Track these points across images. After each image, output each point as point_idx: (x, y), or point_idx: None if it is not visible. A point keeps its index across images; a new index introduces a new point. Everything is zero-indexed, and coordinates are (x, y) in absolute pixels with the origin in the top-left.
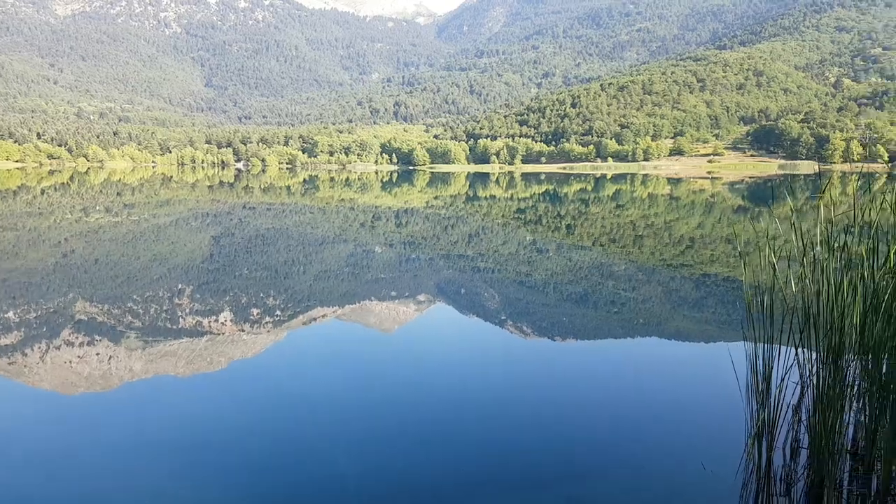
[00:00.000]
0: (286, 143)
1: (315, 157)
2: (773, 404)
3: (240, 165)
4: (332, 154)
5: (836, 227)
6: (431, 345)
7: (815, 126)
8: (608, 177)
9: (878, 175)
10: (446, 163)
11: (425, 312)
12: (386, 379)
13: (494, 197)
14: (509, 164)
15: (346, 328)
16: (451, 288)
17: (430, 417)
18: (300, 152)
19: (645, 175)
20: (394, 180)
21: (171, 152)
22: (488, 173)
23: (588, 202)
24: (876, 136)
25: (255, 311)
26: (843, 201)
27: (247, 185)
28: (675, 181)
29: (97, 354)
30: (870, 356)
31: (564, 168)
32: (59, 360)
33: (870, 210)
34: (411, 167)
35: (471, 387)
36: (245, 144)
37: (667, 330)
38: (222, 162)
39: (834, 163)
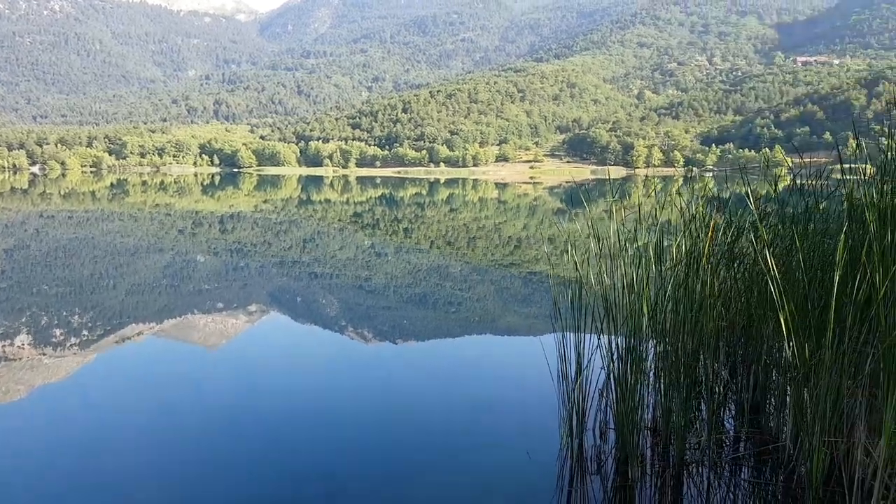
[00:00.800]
0: (90, 145)
1: (124, 159)
2: (583, 390)
3: (35, 169)
4: (143, 156)
5: (640, 226)
6: (265, 357)
7: (621, 134)
8: (441, 181)
9: (674, 178)
10: (275, 165)
11: (257, 324)
12: (211, 395)
13: (329, 200)
14: (343, 167)
15: (165, 346)
16: (285, 296)
17: (260, 431)
18: (106, 154)
19: (475, 180)
20: (216, 183)
21: None
22: (322, 176)
23: (424, 206)
24: (673, 143)
25: (57, 331)
26: (645, 203)
27: (44, 192)
28: (502, 186)
29: None
30: (660, 341)
31: (399, 172)
32: None
33: (658, 210)
34: (236, 170)
35: (306, 395)
36: (41, 146)
37: (499, 326)
38: (14, 166)
39: (638, 167)
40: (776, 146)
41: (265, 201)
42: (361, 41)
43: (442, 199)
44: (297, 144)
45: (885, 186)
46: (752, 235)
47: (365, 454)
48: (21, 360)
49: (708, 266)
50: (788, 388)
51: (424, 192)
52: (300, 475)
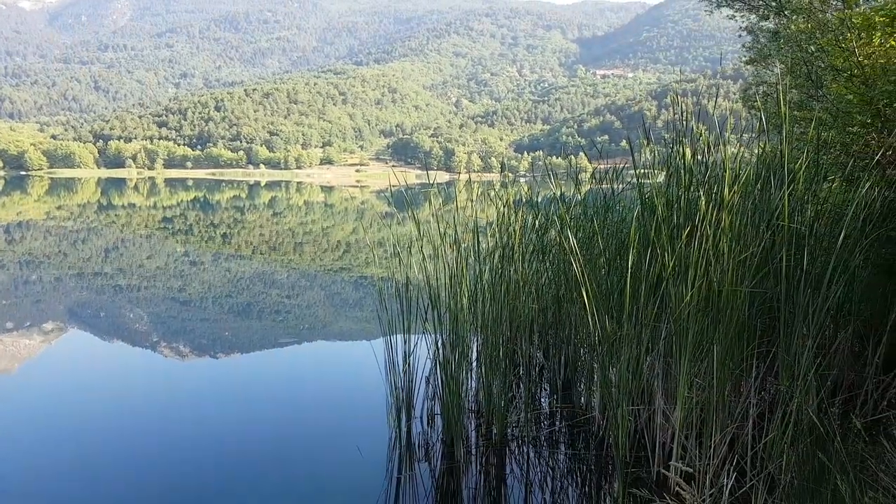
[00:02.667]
0: None
1: None
2: (410, 380)
3: None
4: None
5: (462, 225)
6: (67, 380)
7: (443, 140)
8: (262, 184)
9: (493, 182)
10: (70, 167)
11: (55, 343)
12: (5, 423)
13: (134, 205)
14: (149, 168)
15: None
16: (86, 312)
17: (67, 457)
18: None
19: (299, 183)
20: (0, 188)
21: None
22: (125, 178)
23: (244, 210)
24: (490, 149)
25: None
26: (466, 205)
27: None
28: (328, 189)
29: None
30: (481, 328)
31: (214, 174)
32: None
33: (478, 211)
34: (23, 172)
35: (117, 418)
36: None
37: (331, 332)
38: None
39: (460, 172)
40: (580, 153)
41: (59, 207)
42: (167, 35)
43: (264, 203)
44: (94, 144)
45: (672, 179)
46: (559, 227)
47: (189, 472)
48: None
49: (520, 256)
50: (595, 365)
51: (244, 196)
52: (118, 499)
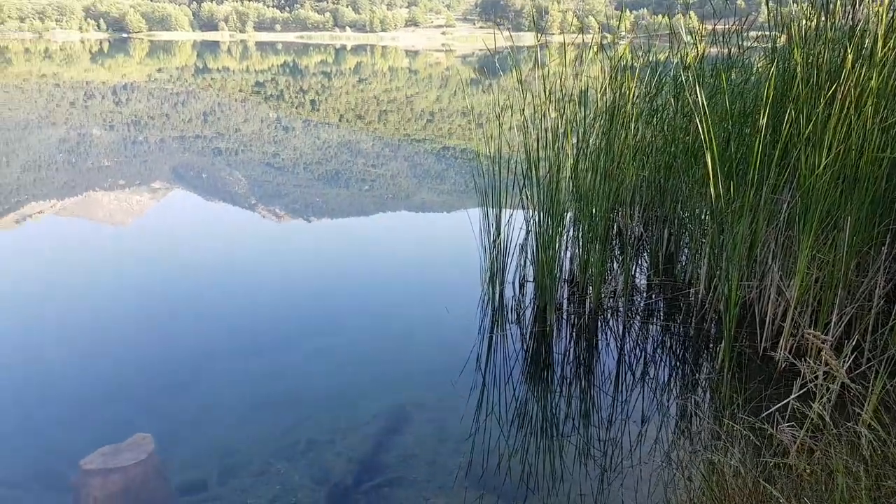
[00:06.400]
0: None
1: (1, 24)
2: (501, 247)
3: None
4: (23, 20)
5: (556, 93)
6: (179, 234)
7: None
8: (348, 48)
9: (590, 45)
10: (167, 30)
11: (163, 201)
12: (123, 275)
13: (228, 69)
14: (241, 31)
15: (70, 225)
16: (189, 172)
17: (172, 304)
18: None
19: (384, 47)
20: (105, 51)
21: None
22: (218, 42)
23: (331, 75)
24: (587, 7)
25: None
26: (560, 72)
27: None
28: (412, 53)
29: None
30: (579, 199)
31: (302, 37)
32: None
33: (581, 76)
34: (125, 35)
35: (219, 273)
36: None
37: (414, 202)
38: None
39: (553, 34)
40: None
41: (159, 70)
42: None
43: (350, 68)
44: (188, 6)
45: (812, 22)
46: (675, 88)
47: (290, 322)
48: None
49: (629, 121)
50: (704, 239)
51: (330, 60)
52: (229, 345)
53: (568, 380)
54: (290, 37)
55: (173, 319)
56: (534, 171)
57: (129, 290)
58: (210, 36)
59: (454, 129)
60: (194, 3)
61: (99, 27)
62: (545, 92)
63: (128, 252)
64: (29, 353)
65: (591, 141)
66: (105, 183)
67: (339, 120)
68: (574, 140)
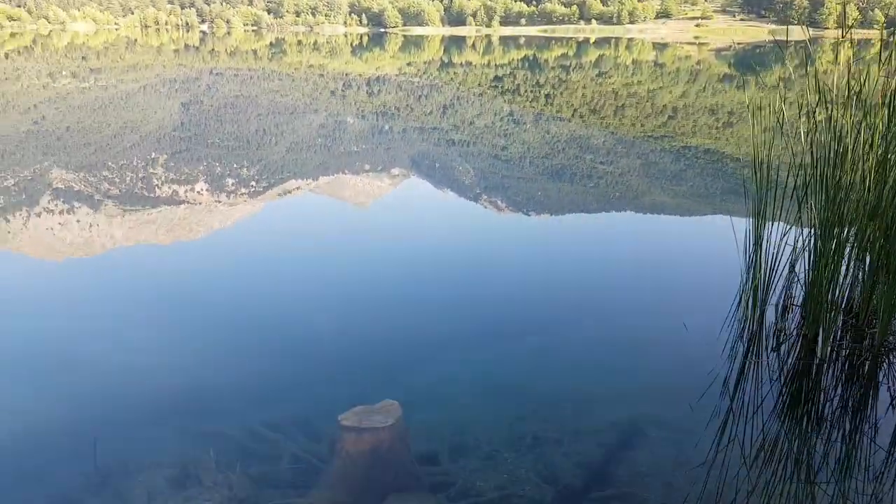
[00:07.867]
0: (250, 3)
1: (281, 17)
2: (765, 266)
3: (204, 27)
4: (298, 14)
5: (828, 96)
6: (406, 219)
7: None
8: (591, 41)
9: (872, 42)
10: (419, 24)
11: (399, 186)
12: (362, 251)
13: (470, 63)
14: (487, 26)
15: (320, 202)
16: (425, 161)
17: (405, 284)
18: (265, 13)
19: (630, 39)
20: (364, 44)
21: (133, 13)
22: (464, 36)
23: (569, 69)
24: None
25: (230, 181)
26: (833, 70)
27: (212, 49)
28: (661, 46)
29: (78, 222)
30: (865, 214)
31: (546, 31)
32: (41, 226)
33: (862, 78)
34: (382, 29)
35: (444, 259)
36: (208, 4)
37: (643, 203)
38: (186, 24)
39: (828, 28)
40: None
41: (409, 64)
42: None
43: (590, 62)
44: (440, 2)
45: None
46: None
47: (515, 315)
48: (201, 204)
49: None
50: None
51: (571, 54)
52: (458, 332)
53: (831, 422)
54: (533, 31)
55: (405, 302)
56: (815, 181)
57: (373, 265)
58: (457, 31)
59: (699, 127)
60: None
61: (361, 22)
62: (837, 91)
63: (365, 231)
64: (299, 317)
65: (882, 157)
66: (353, 167)
67: (572, 115)
68: (860, 147)
